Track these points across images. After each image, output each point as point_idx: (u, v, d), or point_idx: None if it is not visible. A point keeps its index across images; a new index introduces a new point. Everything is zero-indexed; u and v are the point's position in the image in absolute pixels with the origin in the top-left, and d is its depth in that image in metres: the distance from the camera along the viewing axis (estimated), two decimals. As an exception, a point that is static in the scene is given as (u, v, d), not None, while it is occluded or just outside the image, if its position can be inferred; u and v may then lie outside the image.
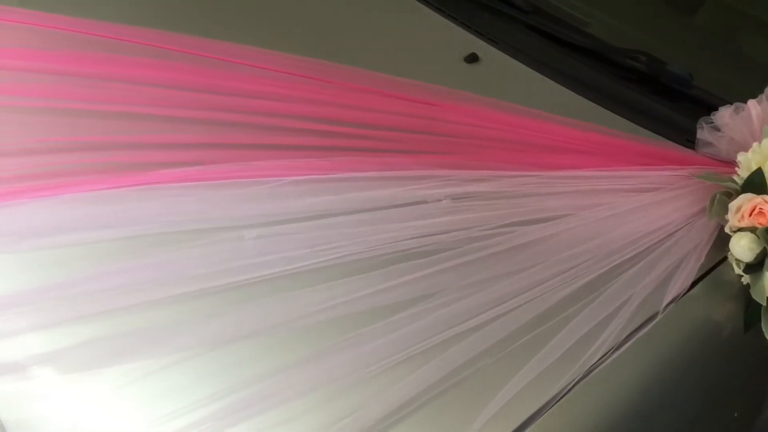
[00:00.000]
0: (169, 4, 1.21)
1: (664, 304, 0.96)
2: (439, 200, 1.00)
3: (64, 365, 0.86)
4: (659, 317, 0.95)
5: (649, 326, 0.94)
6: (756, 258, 0.97)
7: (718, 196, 1.02)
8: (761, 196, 0.98)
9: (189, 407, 0.84)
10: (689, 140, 1.14)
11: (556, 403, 0.86)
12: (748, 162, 1.02)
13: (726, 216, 1.01)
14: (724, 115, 1.10)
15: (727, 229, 1.01)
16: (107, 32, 1.08)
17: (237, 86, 1.05)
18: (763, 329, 0.96)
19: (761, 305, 0.97)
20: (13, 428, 0.84)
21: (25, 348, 0.87)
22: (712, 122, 1.10)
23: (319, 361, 0.87)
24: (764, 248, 0.96)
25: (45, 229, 0.92)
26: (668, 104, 1.22)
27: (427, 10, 1.33)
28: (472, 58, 1.25)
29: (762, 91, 1.11)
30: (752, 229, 0.97)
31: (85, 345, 0.87)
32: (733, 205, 0.99)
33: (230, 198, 0.96)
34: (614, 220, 1.01)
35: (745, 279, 0.99)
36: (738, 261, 0.99)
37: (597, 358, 0.90)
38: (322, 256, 0.93)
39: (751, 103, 1.09)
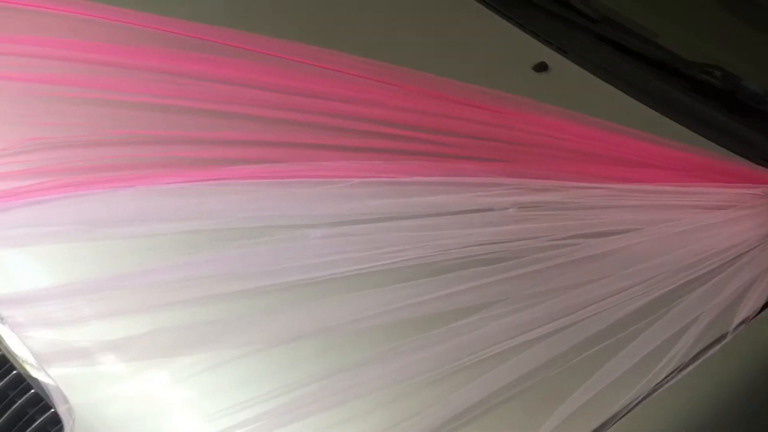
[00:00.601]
0: (248, 7, 1.23)
1: (734, 326, 0.93)
2: (506, 208, 0.99)
3: (129, 353, 0.88)
4: (728, 338, 0.92)
5: (718, 347, 0.91)
6: (832, 282, 0.94)
7: (794, 217, 0.99)
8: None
9: (249, 402, 0.85)
10: (763, 158, 1.11)
11: (619, 420, 0.85)
12: (826, 183, 0.99)
13: (802, 238, 0.98)
14: (801, 133, 1.07)
15: (802, 251, 0.98)
16: (190, 31, 1.11)
17: (309, 87, 1.07)
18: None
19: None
20: (80, 411, 0.86)
21: (93, 334, 0.89)
22: (788, 140, 1.08)
23: (382, 363, 0.87)
24: (841, 273, 0.93)
25: (119, 219, 0.94)
26: (742, 120, 1.19)
27: (496, 17, 1.32)
28: (541, 67, 1.24)
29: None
30: (829, 253, 0.94)
31: (151, 335, 0.88)
32: (810, 226, 0.97)
33: (298, 197, 0.97)
34: (684, 236, 0.99)
35: (819, 303, 0.96)
36: (812, 285, 0.96)
37: (663, 377, 0.88)
38: (387, 258, 0.93)
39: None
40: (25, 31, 1.10)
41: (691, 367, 0.89)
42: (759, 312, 0.96)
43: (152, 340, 0.88)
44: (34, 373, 0.88)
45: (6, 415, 0.90)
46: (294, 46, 1.11)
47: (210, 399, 0.86)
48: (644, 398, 0.86)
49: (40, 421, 0.88)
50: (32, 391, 0.89)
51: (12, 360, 0.89)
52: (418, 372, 0.86)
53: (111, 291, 0.91)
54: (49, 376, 0.87)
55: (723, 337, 0.92)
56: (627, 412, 0.85)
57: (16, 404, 0.90)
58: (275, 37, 1.12)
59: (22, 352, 0.89)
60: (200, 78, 1.05)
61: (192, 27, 1.12)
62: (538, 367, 0.87)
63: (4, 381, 0.90)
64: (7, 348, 0.89)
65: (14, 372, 0.90)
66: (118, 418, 0.87)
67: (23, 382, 0.89)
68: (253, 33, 1.12)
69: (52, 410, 0.87)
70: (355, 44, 1.15)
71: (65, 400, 0.86)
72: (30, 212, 0.95)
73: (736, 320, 0.94)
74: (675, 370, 0.89)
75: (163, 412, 0.88)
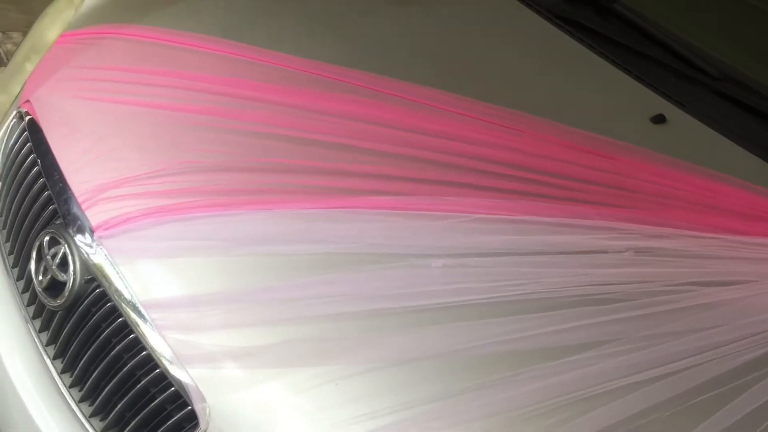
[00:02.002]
0: (381, 51, 1.32)
1: None
2: (621, 251, 1.02)
3: (260, 361, 0.95)
4: None
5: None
6: None
7: None
8: None
9: (363, 417, 0.90)
10: None
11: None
12: None
13: None
14: None
15: None
16: (335, 74, 1.20)
17: (441, 129, 1.13)
18: None
19: None
20: (215, 413, 0.93)
21: (226, 341, 0.96)
22: None
23: (493, 391, 0.90)
24: None
25: (256, 239, 1.02)
26: None
27: (615, 70, 1.35)
28: (659, 119, 1.27)
29: None
30: None
31: (281, 345, 0.95)
32: None
33: (422, 228, 1.02)
34: (806, 292, 0.99)
35: None
36: None
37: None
38: (504, 291, 0.97)
39: None
40: (188, 67, 1.22)
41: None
42: None
43: (281, 351, 0.94)
44: (175, 372, 0.96)
45: (146, 411, 0.99)
46: (429, 91, 1.18)
47: (326, 412, 0.91)
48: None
49: (176, 417, 0.96)
50: (172, 389, 0.97)
51: (156, 359, 0.98)
52: (528, 403, 0.89)
53: (246, 303, 0.98)
54: (189, 375, 0.95)
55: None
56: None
57: (156, 401, 0.98)
58: (413, 83, 1.20)
59: (166, 352, 0.97)
60: (340, 116, 1.14)
61: (337, 70, 1.21)
62: (649, 408, 0.89)
63: (147, 379, 0.99)
64: (152, 348, 0.98)
65: (157, 371, 0.98)
66: (241, 422, 0.94)
67: (164, 380, 0.98)
68: (391, 78, 1.20)
69: (189, 408, 0.95)
70: (478, 89, 1.21)
71: (202, 399, 0.93)
72: (176, 228, 1.04)
73: None
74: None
75: (281, 420, 0.93)
